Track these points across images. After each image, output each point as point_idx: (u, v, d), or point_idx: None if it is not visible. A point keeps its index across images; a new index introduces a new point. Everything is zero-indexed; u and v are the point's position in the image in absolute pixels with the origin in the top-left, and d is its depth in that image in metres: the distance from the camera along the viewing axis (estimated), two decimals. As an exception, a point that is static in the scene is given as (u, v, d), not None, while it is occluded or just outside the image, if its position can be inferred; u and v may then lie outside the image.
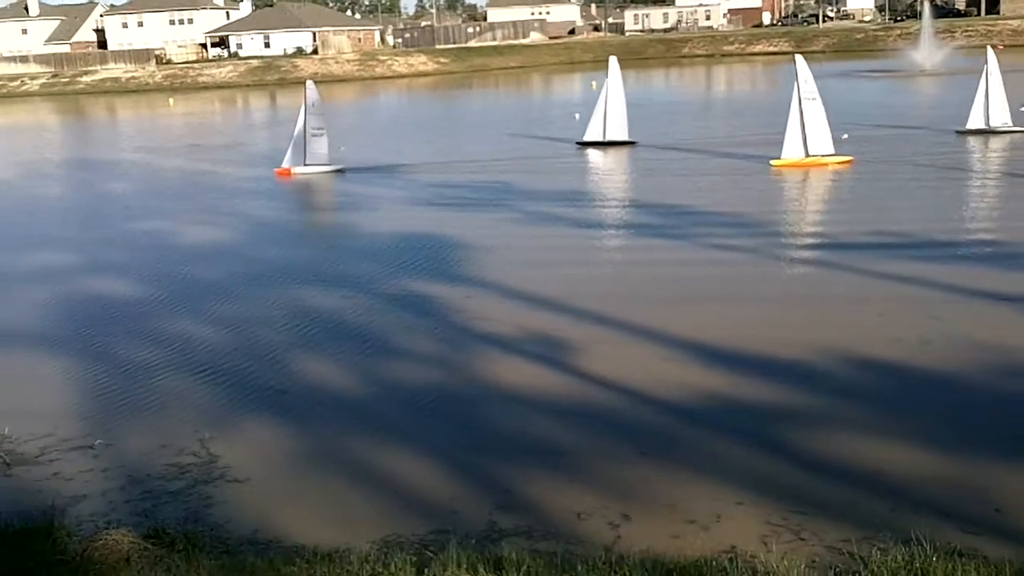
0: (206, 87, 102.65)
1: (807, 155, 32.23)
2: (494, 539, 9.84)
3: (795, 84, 32.07)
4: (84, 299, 20.89)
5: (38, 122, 78.72)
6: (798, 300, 18.06)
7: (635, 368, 14.63)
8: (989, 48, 38.17)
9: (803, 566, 8.43)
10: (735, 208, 25.96)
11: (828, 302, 17.72)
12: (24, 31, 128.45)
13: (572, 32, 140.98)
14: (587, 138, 39.76)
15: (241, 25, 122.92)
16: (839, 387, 13.63)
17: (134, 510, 10.97)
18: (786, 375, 14.06)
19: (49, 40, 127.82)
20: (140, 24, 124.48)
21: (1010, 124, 36.84)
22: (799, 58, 32.79)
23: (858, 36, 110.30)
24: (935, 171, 30.78)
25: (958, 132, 37.29)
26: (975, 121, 36.90)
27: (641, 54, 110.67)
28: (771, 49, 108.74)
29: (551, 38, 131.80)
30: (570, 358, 15.27)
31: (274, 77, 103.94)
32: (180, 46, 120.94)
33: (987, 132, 36.68)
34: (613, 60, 39.93)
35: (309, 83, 37.73)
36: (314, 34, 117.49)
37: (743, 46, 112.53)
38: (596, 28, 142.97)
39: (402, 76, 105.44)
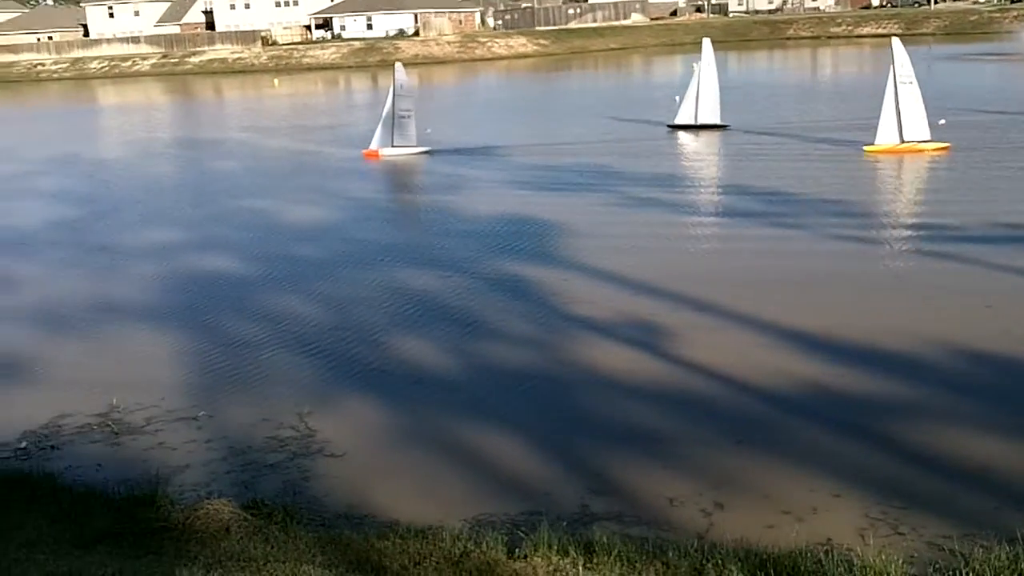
0: (310, 68, 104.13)
1: (902, 141, 31.29)
2: (585, 522, 9.85)
3: (891, 67, 31.16)
4: (192, 275, 21.47)
5: (149, 101, 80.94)
6: (901, 288, 17.61)
7: (732, 355, 14.45)
8: None
9: (901, 561, 8.24)
10: (830, 194, 25.46)
11: (932, 291, 17.24)
12: (136, 13, 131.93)
13: (674, 13, 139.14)
14: (679, 121, 39.35)
15: (344, 7, 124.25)
16: (943, 379, 13.26)
17: (234, 481, 11.26)
18: (888, 365, 13.73)
19: (160, 21, 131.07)
20: (247, 6, 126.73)
21: None
22: (895, 40, 31.86)
23: (972, 18, 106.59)
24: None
25: None
26: None
27: (744, 36, 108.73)
28: (879, 31, 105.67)
29: (652, 19, 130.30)
30: (666, 343, 15.15)
31: (376, 59, 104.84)
32: (285, 28, 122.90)
33: None
34: (707, 42, 39.34)
35: (398, 65, 38.05)
36: (416, 16, 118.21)
37: (850, 28, 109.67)
38: (699, 9, 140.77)
39: (502, 58, 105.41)
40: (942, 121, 33.23)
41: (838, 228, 21.89)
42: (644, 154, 34.84)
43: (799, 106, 47.43)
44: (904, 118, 31.21)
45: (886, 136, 31.42)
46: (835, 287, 17.69)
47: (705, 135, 38.31)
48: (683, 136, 38.67)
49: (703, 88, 38.73)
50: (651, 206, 25.73)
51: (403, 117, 36.65)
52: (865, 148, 31.76)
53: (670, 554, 8.51)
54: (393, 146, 36.76)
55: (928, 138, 31.37)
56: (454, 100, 65.83)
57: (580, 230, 23.10)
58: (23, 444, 12.58)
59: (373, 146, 37.12)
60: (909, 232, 22.21)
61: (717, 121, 38.72)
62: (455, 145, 38.78)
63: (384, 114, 37.09)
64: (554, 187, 29.41)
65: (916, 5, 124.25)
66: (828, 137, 35.29)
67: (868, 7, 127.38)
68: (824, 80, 68.69)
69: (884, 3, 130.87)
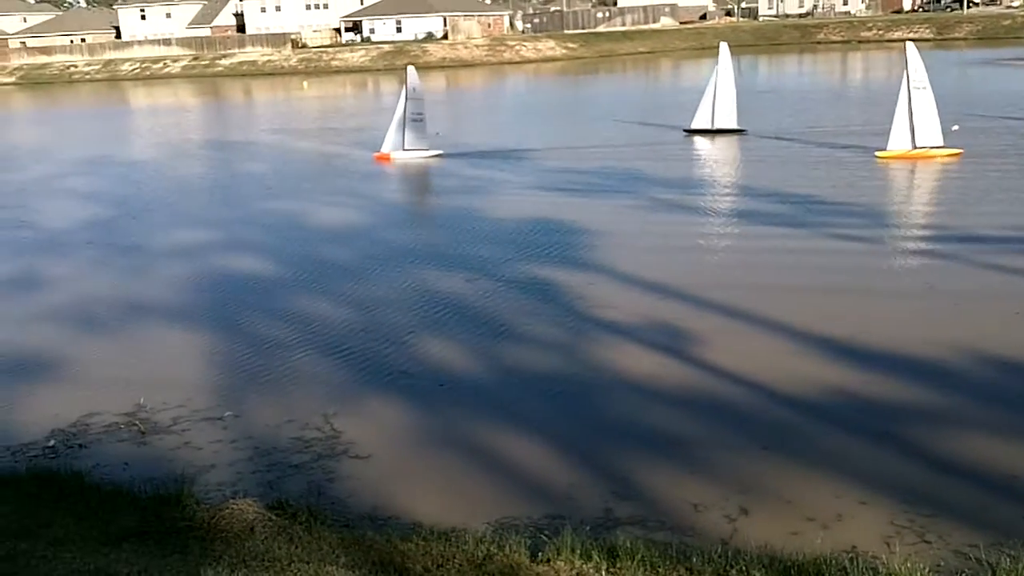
0: (339, 71, 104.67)
1: (914, 147, 31.03)
2: (609, 527, 9.83)
3: (904, 72, 30.89)
4: (221, 275, 21.62)
5: (179, 103, 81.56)
6: (929, 295, 17.46)
7: (758, 360, 14.38)
8: None
9: (927, 569, 8.19)
10: (849, 199, 25.42)
11: (960, 298, 17.09)
12: (168, 15, 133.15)
13: (703, 17, 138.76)
14: (695, 125, 39.34)
15: (374, 10, 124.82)
16: (971, 386, 13.15)
17: (260, 481, 11.33)
18: (916, 372, 13.63)
19: (191, 24, 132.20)
20: (278, 8, 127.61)
21: None
22: (910, 45, 31.58)
23: (1005, 22, 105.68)
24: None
25: None
26: None
27: (775, 40, 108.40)
28: (911, 35, 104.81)
29: (681, 23, 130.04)
30: (692, 348, 15.10)
31: (404, 61, 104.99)
32: (315, 30, 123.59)
33: None
34: (724, 46, 39.24)
35: (410, 69, 38.30)
36: (444, 19, 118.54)
37: (881, 32, 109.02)
38: (728, 13, 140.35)
39: (530, 61, 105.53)
40: (955, 127, 33.07)
41: (858, 232, 21.78)
42: (669, 158, 34.81)
43: (820, 110, 47.19)
44: (917, 123, 30.96)
45: (899, 142, 31.18)
46: (863, 293, 17.57)
47: (721, 139, 38.26)
48: (699, 141, 38.59)
49: (720, 92, 38.74)
50: (677, 209, 25.68)
51: (415, 120, 36.95)
52: (877, 154, 31.57)
53: (694, 559, 8.48)
54: (405, 149, 37.07)
55: (941, 144, 31.11)
56: (476, 103, 65.98)
57: (605, 232, 23.08)
58: (52, 442, 12.71)
59: (385, 149, 37.46)
60: (935, 236, 21.98)
61: (734, 126, 38.70)
62: (471, 148, 38.92)
63: (396, 117, 37.41)
64: (581, 190, 29.40)
65: (949, 10, 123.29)
66: (844, 143, 35.14)
67: (899, 11, 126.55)
68: (851, 84, 68.25)
69: (916, 7, 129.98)
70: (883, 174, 30.05)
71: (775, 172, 30.86)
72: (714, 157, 36.26)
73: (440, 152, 37.55)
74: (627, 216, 25.33)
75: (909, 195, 28.05)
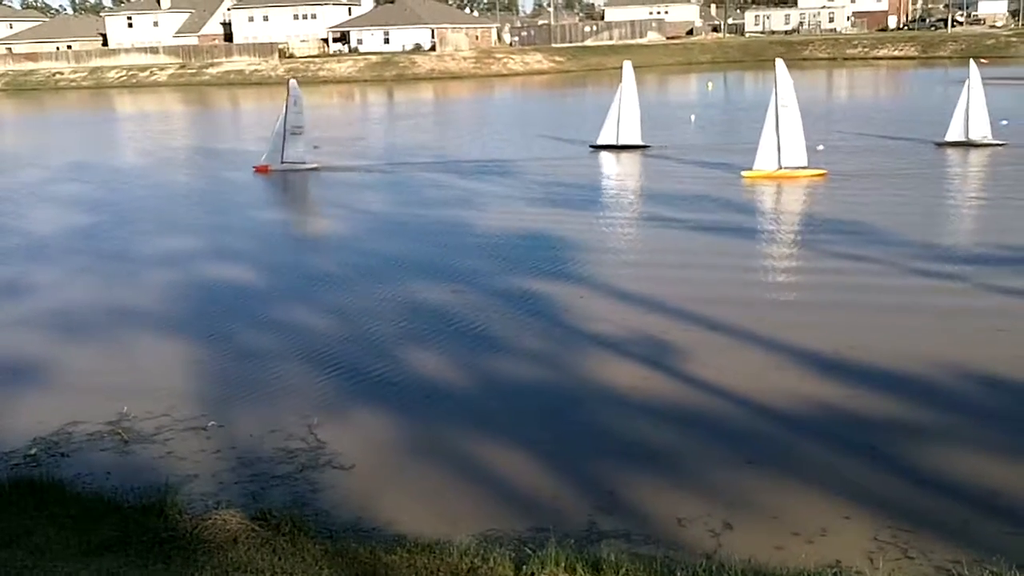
0: (326, 81, 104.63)
1: (780, 167, 31.03)
2: (593, 540, 9.81)
3: (773, 91, 30.79)
4: (205, 284, 21.55)
5: (166, 111, 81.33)
6: (913, 310, 17.54)
7: (745, 375, 14.41)
8: (972, 62, 37.97)
9: (910, 585, 8.20)
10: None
11: (941, 315, 17.19)
12: (155, 23, 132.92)
13: (690, 32, 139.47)
14: (601, 141, 40.29)
15: (362, 21, 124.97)
16: (956, 402, 13.21)
17: (243, 491, 11.27)
18: (901, 387, 13.69)
19: (178, 32, 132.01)
20: (265, 18, 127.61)
21: (989, 137, 36.62)
22: (779, 62, 31.36)
23: (988, 42, 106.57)
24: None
25: (937, 144, 37.40)
26: (955, 133, 36.83)
27: (760, 56, 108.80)
28: (896, 53, 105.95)
29: (669, 38, 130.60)
30: (679, 362, 15.12)
31: (392, 73, 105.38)
32: (303, 40, 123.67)
33: (967, 144, 36.54)
34: (627, 65, 40.13)
35: (292, 82, 39.42)
36: (432, 31, 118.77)
37: (867, 50, 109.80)
38: (715, 29, 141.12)
39: (518, 74, 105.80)
40: (820, 147, 33.48)
41: (856, 248, 21.89)
42: (560, 172, 35.66)
43: (739, 128, 46.96)
44: (783, 143, 30.89)
45: (764, 161, 31.11)
46: (847, 309, 17.65)
47: (626, 155, 39.21)
48: (605, 156, 39.54)
49: (624, 109, 39.63)
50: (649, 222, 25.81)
51: (295, 133, 37.98)
52: (743, 174, 31.57)
53: (678, 573, 8.48)
54: (283, 161, 38.00)
55: (805, 164, 31.13)
56: (470, 113, 66.02)
57: (591, 246, 23.12)
58: (33, 451, 12.61)
59: (264, 161, 38.42)
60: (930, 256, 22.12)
61: (638, 142, 39.75)
62: (472, 158, 39.15)
63: (275, 129, 38.52)
64: (562, 203, 29.44)
65: (933, 28, 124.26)
66: (719, 161, 35.57)
67: (885, 29, 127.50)
68: (805, 102, 68.08)
69: (901, 26, 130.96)
70: (738, 193, 30.05)
71: (659, 185, 31.63)
72: (606, 172, 37.16)
73: (316, 166, 38.63)
74: (607, 229, 25.36)
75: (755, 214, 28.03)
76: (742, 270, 20.76)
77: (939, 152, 36.69)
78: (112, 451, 12.63)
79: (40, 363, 16.33)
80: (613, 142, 39.79)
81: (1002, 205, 27.38)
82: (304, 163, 38.16)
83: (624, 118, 39.49)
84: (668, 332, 16.54)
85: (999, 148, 36.30)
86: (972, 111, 36.27)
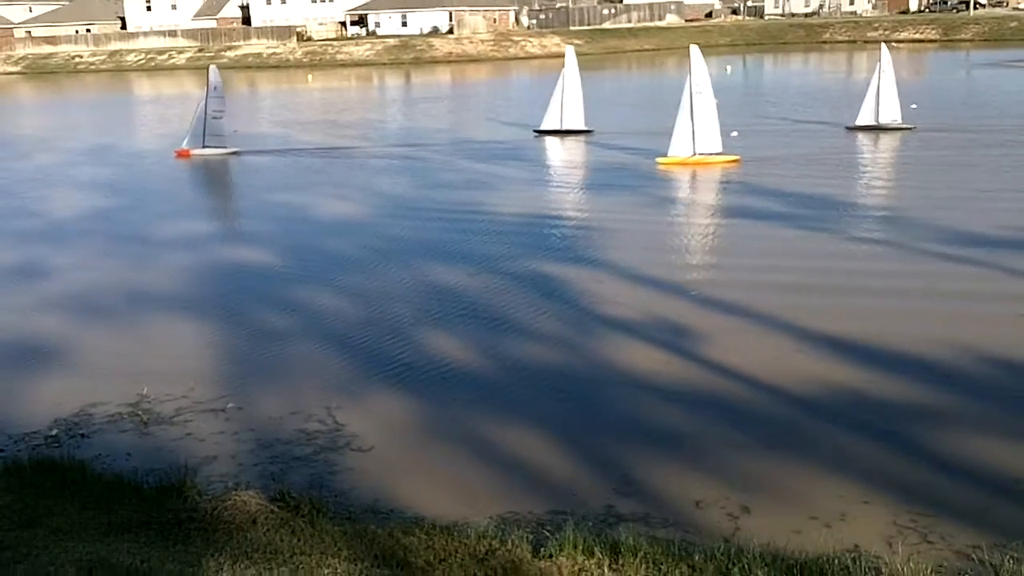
0: (344, 64, 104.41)
1: (694, 153, 30.83)
2: (611, 523, 9.81)
3: (688, 77, 30.63)
4: (225, 267, 21.63)
5: (184, 94, 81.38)
6: (934, 295, 17.42)
7: (764, 359, 14.36)
8: (883, 46, 38.20)
9: (929, 570, 8.17)
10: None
11: (968, 301, 17.07)
12: (173, 6, 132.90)
13: (709, 15, 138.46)
14: (544, 127, 40.45)
15: (380, 4, 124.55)
16: (976, 387, 13.12)
17: (262, 473, 11.32)
18: (921, 372, 13.60)
19: (196, 16, 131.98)
20: (283, 1, 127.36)
21: (899, 121, 37.08)
22: (694, 48, 31.21)
23: (1011, 24, 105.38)
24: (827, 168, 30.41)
25: (848, 128, 37.97)
26: (865, 117, 37.23)
27: (780, 39, 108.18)
28: (917, 36, 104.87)
29: (688, 21, 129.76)
30: (698, 346, 15.08)
31: (410, 56, 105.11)
32: (320, 24, 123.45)
33: (877, 128, 36.97)
34: (570, 50, 40.53)
35: (212, 68, 40.11)
36: (450, 13, 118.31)
37: (887, 32, 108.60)
38: (735, 11, 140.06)
39: (535, 57, 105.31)
40: (734, 133, 33.47)
41: (870, 231, 21.75)
42: (502, 158, 35.63)
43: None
44: (697, 129, 30.70)
45: (679, 148, 30.94)
46: (865, 292, 17.55)
47: (569, 140, 39.42)
48: (549, 141, 39.73)
49: (567, 95, 39.81)
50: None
51: (215, 118, 38.57)
52: (658, 160, 31.39)
53: (696, 557, 8.46)
54: (204, 146, 38.64)
55: (720, 150, 31.00)
56: (489, 95, 65.85)
57: (607, 229, 23.05)
58: (54, 432, 12.70)
59: (185, 145, 38.96)
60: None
61: (581, 127, 40.03)
62: (483, 139, 39.05)
63: (196, 115, 39.16)
64: (577, 187, 29.34)
65: (955, 11, 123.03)
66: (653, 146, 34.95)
67: (906, 12, 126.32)
68: (800, 85, 67.41)
69: (922, 8, 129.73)
70: (667, 180, 29.94)
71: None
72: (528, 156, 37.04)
73: (237, 150, 39.24)
74: (623, 214, 25.33)
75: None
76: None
77: (849, 136, 37.20)
78: (132, 432, 12.70)
79: (60, 345, 16.43)
80: (557, 127, 40.07)
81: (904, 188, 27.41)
82: (224, 148, 38.92)
83: (567, 104, 39.78)
84: (686, 316, 16.50)
85: (907, 132, 36.81)
86: (883, 95, 36.66)
